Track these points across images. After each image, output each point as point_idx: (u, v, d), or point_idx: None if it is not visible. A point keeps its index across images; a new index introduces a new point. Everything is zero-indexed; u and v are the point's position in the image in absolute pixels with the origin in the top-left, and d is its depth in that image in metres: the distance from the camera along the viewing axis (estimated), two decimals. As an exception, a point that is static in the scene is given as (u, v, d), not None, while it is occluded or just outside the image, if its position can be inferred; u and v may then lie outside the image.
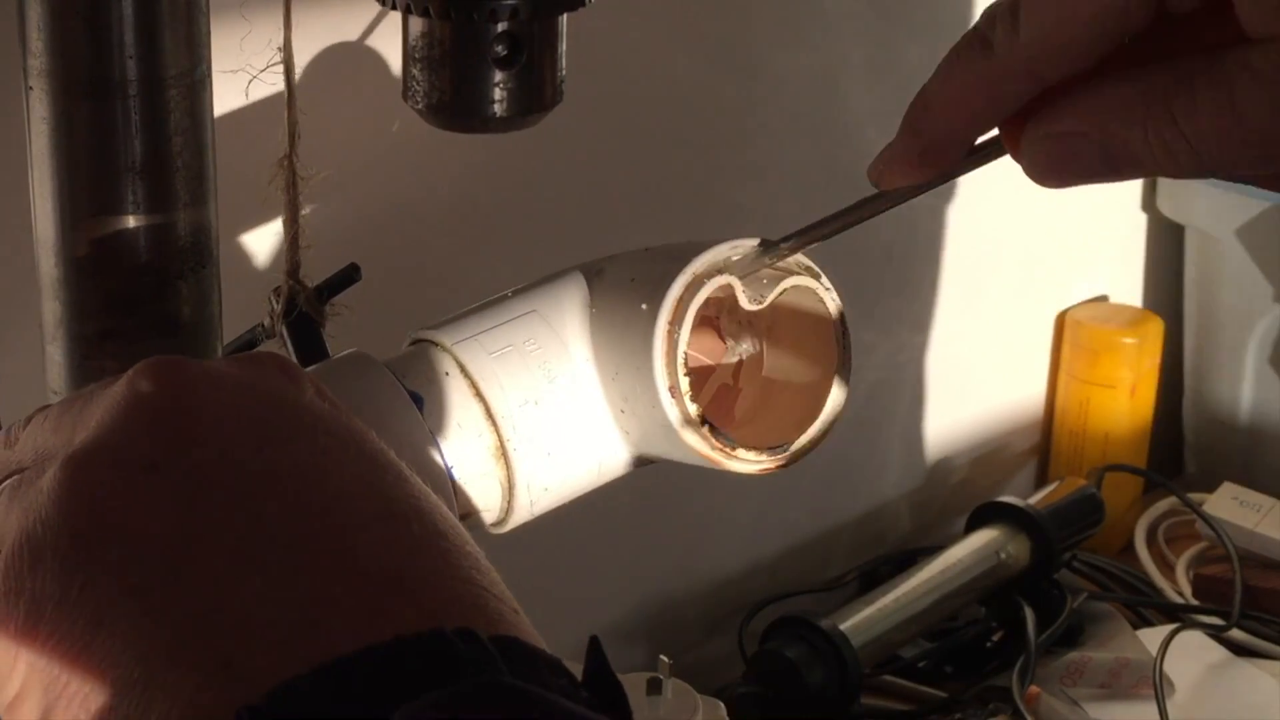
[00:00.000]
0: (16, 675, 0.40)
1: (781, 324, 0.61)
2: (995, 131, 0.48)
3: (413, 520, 0.42)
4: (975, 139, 0.49)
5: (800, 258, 0.59)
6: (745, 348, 0.62)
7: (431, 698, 0.36)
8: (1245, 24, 0.41)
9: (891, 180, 0.50)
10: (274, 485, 0.41)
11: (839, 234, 0.55)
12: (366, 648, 0.37)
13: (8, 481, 0.45)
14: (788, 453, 0.58)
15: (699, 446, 0.56)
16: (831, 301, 0.58)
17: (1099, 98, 0.44)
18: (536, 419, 0.57)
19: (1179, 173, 0.44)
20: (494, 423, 0.57)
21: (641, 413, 0.57)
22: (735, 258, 0.58)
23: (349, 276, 0.65)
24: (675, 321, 0.56)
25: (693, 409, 0.56)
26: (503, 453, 0.57)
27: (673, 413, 0.56)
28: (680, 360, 0.56)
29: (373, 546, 0.41)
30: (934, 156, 0.49)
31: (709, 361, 0.61)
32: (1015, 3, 0.45)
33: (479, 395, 0.57)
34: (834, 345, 0.59)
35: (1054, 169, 0.46)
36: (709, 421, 0.56)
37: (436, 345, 0.58)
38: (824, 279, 0.59)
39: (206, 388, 0.43)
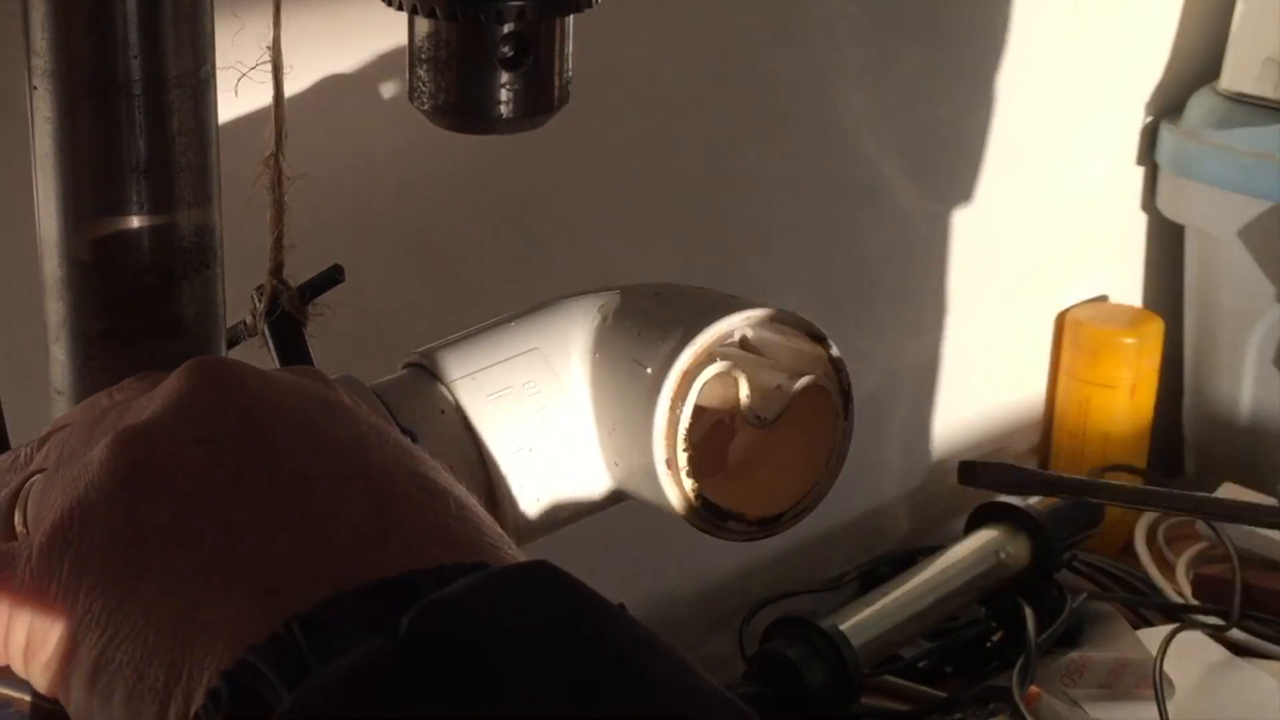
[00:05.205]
0: (55, 634, 0.42)
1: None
2: None
3: (449, 497, 0.43)
4: None
5: (813, 329, 0.57)
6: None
7: (474, 577, 0.37)
8: None
9: None
10: (320, 456, 0.43)
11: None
12: (411, 570, 0.38)
13: (35, 478, 0.46)
14: (772, 526, 0.57)
15: (690, 518, 0.56)
16: (837, 384, 0.58)
17: None
18: (529, 466, 0.57)
19: None
20: (486, 467, 0.56)
21: (635, 471, 0.57)
22: (746, 332, 0.57)
23: (332, 277, 0.64)
24: (679, 399, 0.55)
25: (688, 484, 0.55)
26: (492, 498, 0.56)
27: (667, 484, 0.55)
28: (681, 436, 0.55)
29: (413, 509, 0.42)
30: None
31: (705, 405, 0.59)
32: None
33: (474, 439, 0.56)
34: (835, 421, 0.58)
35: None
36: (703, 495, 0.56)
37: (433, 377, 0.57)
38: (834, 373, 0.58)
39: (256, 380, 0.45)
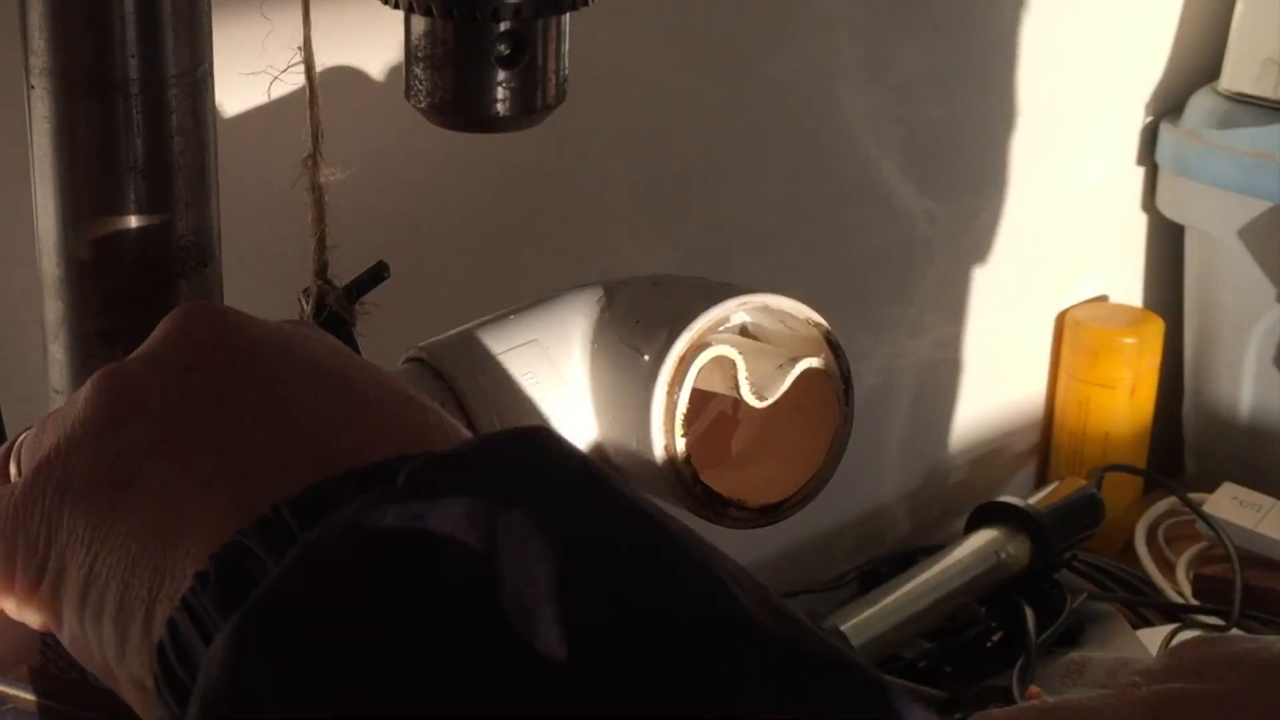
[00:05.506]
0: (43, 562, 0.42)
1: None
2: None
3: (429, 410, 0.43)
4: None
5: (812, 315, 0.58)
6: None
7: (475, 436, 0.37)
8: None
9: None
10: (299, 374, 0.43)
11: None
12: (397, 457, 0.38)
13: (29, 429, 0.46)
14: (775, 513, 0.57)
15: (689, 506, 0.56)
16: (837, 369, 0.58)
17: None
18: None
19: None
20: None
21: (634, 459, 0.57)
22: (745, 319, 0.57)
23: (378, 275, 0.64)
24: (675, 383, 0.55)
25: (687, 470, 0.55)
26: None
27: (665, 471, 0.55)
28: (679, 421, 0.55)
29: (394, 415, 0.42)
30: None
31: (707, 389, 0.60)
32: None
33: (474, 431, 0.56)
34: (836, 407, 0.58)
35: None
36: (702, 482, 0.56)
37: (433, 371, 0.58)
38: (834, 358, 0.58)
39: (240, 318, 0.45)
